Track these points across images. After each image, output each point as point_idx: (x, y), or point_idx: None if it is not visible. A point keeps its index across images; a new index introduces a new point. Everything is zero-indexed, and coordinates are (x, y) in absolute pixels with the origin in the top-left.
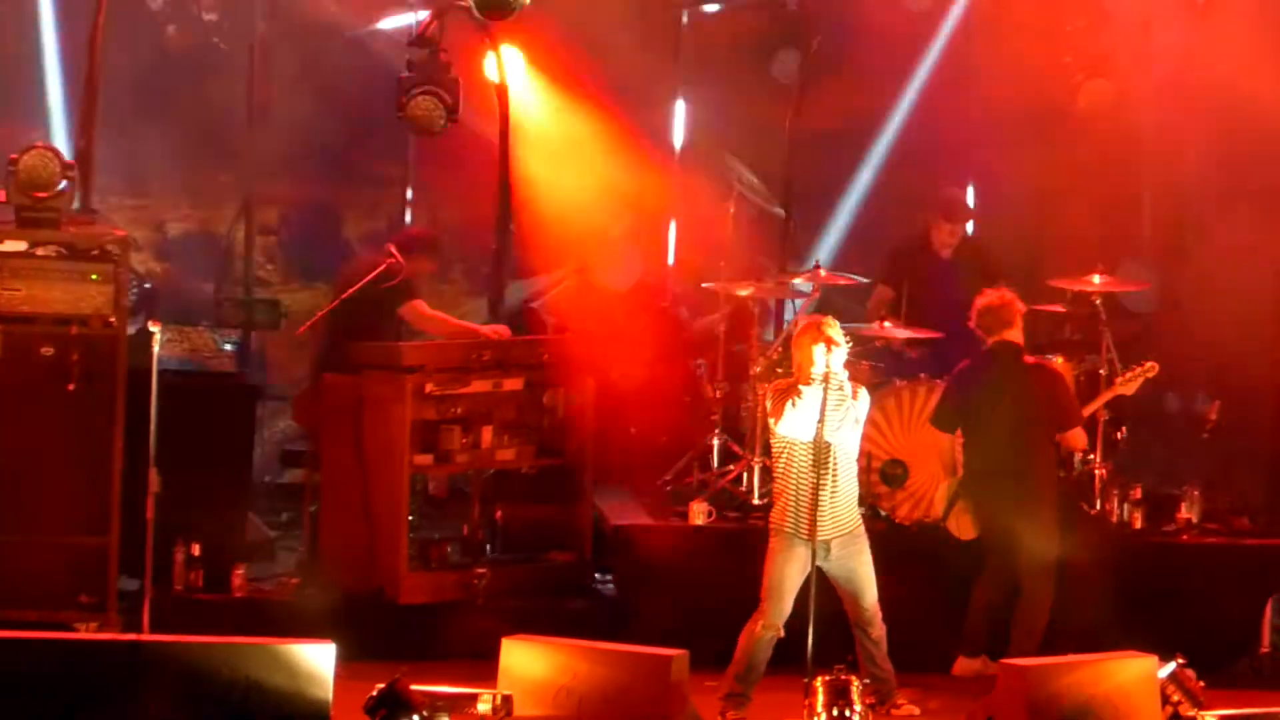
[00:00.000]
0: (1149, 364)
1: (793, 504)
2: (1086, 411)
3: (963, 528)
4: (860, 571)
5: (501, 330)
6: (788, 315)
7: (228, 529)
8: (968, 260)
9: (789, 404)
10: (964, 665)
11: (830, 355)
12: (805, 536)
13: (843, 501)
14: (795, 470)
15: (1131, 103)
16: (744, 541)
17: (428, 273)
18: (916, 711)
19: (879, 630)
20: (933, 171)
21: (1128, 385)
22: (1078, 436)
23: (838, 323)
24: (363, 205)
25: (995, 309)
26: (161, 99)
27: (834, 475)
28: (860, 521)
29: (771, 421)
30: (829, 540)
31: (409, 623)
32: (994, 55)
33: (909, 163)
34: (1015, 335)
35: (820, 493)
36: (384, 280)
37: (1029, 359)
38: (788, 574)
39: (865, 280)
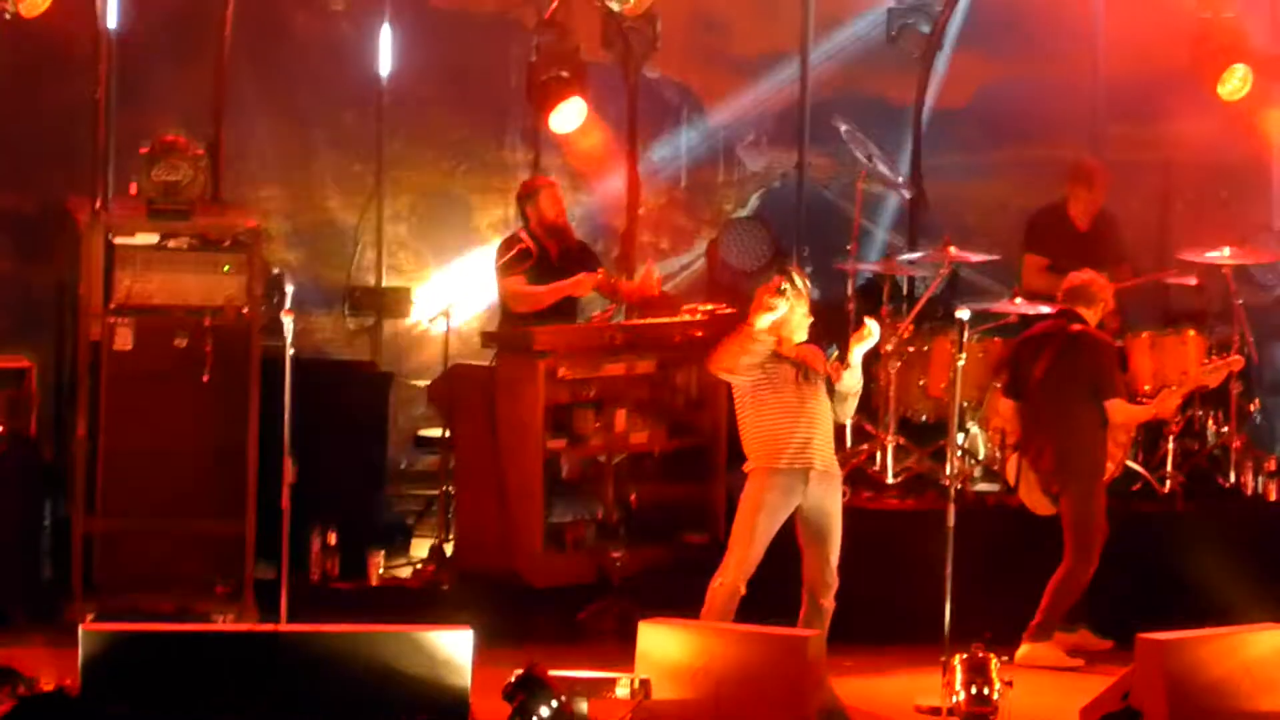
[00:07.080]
0: (1235, 357)
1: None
2: (1171, 399)
3: (1034, 502)
4: (834, 515)
5: (584, 279)
6: (918, 292)
7: (363, 516)
8: (1103, 232)
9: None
10: (1030, 650)
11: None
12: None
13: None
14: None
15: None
16: (878, 521)
17: (551, 219)
18: None
19: (830, 600)
20: (1059, 145)
21: (1211, 376)
22: (1117, 408)
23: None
24: (492, 192)
25: (1080, 288)
26: (288, 87)
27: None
28: (837, 464)
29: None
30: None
31: (544, 606)
32: (1120, 25)
33: (1036, 137)
34: (1089, 314)
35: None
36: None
37: (1082, 328)
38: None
39: (993, 257)
